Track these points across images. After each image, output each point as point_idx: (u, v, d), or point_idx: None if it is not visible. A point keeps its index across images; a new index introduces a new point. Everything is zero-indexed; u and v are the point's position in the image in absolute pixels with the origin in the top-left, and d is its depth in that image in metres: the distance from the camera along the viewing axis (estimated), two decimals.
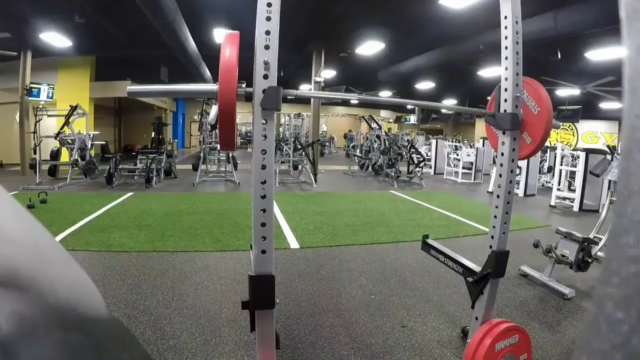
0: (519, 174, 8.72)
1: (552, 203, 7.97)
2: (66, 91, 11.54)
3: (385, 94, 18.82)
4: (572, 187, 8.27)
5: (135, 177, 9.47)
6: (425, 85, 15.75)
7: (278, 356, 1.80)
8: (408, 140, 13.71)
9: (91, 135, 9.64)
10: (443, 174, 12.81)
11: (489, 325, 2.07)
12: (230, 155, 9.92)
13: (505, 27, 1.94)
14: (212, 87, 1.40)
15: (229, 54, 1.38)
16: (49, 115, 9.79)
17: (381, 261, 4.09)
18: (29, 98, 10.30)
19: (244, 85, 1.47)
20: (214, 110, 1.39)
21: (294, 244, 4.60)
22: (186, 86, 1.46)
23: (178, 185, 9.34)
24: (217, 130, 1.35)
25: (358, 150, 15.76)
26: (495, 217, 2.06)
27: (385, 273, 3.73)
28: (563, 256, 3.46)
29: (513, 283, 3.58)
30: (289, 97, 1.54)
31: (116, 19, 8.61)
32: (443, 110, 25.74)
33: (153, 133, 12.36)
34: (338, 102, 13.70)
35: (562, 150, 8.79)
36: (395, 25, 8.83)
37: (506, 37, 1.95)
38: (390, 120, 27.62)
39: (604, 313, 0.21)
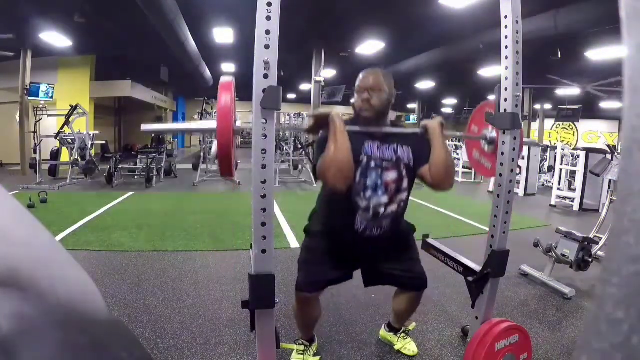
0: (519, 173, 8.72)
1: (553, 202, 7.96)
2: (66, 91, 11.53)
3: None
4: (572, 187, 8.27)
5: (136, 177, 9.47)
6: (425, 84, 15.75)
7: (278, 356, 1.81)
8: None
9: (91, 135, 9.64)
10: None
11: (489, 325, 2.07)
12: None
13: (506, 27, 1.94)
14: (213, 124, 1.57)
15: (224, 100, 1.54)
16: (49, 115, 9.79)
17: None
18: (29, 98, 10.29)
19: (237, 123, 1.61)
20: (214, 145, 1.57)
21: (294, 243, 4.60)
22: (191, 125, 1.61)
23: (178, 184, 9.35)
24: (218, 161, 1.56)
25: None
26: (495, 216, 2.06)
27: None
28: (563, 256, 3.46)
29: (513, 282, 3.58)
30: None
31: (116, 19, 8.60)
32: (443, 109, 25.77)
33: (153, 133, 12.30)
34: (339, 100, 13.67)
35: (562, 149, 8.79)
36: (395, 25, 8.83)
37: (506, 37, 1.95)
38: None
39: (604, 312, 0.21)
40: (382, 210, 1.93)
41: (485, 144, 2.19)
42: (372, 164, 1.91)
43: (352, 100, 2.00)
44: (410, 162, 1.96)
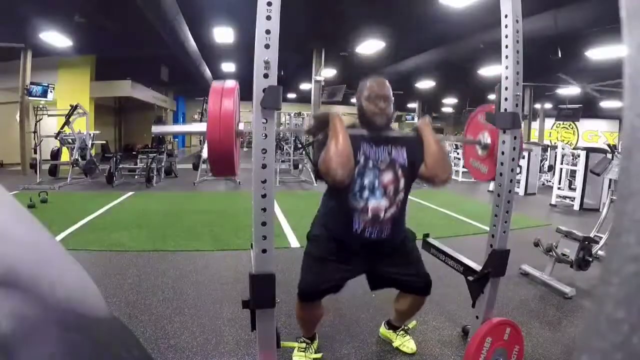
0: (520, 172, 8.71)
1: (553, 202, 7.96)
2: (66, 90, 11.54)
3: None
4: (572, 186, 8.27)
5: (136, 177, 9.47)
6: (426, 84, 15.73)
7: (279, 355, 1.81)
8: None
9: (91, 135, 9.64)
10: None
11: (489, 324, 2.07)
12: None
13: (506, 26, 1.94)
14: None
15: (225, 101, 1.55)
16: (49, 115, 9.79)
17: None
18: (29, 97, 10.29)
19: (240, 126, 1.64)
20: (205, 149, 1.56)
21: (294, 242, 4.60)
22: (202, 126, 1.60)
23: (179, 184, 9.35)
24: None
25: None
26: (496, 215, 2.06)
27: None
28: (564, 255, 3.46)
29: (514, 282, 3.58)
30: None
31: (116, 19, 8.60)
32: (443, 109, 25.75)
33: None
34: (339, 100, 13.71)
35: (563, 149, 8.79)
36: (395, 24, 8.82)
37: (506, 36, 1.94)
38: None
39: (604, 312, 0.21)
40: (382, 214, 1.96)
41: (480, 148, 2.22)
42: (370, 164, 1.96)
43: (362, 105, 2.01)
44: (405, 163, 2.00)
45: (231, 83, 1.61)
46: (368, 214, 1.95)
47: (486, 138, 2.16)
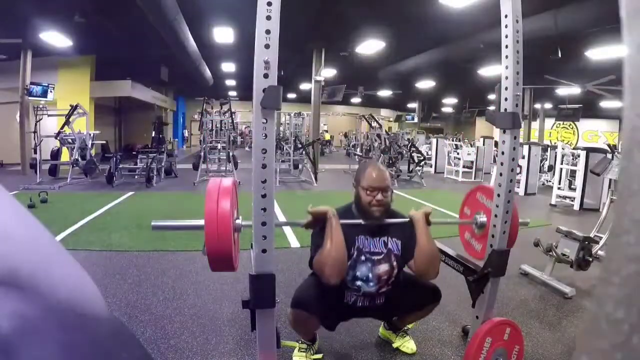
0: (519, 172, 8.71)
1: (553, 202, 7.96)
2: (66, 90, 11.55)
3: (385, 93, 18.81)
4: (572, 186, 8.26)
5: (136, 177, 9.45)
6: (426, 84, 15.72)
7: (279, 355, 1.81)
8: (408, 139, 13.69)
9: (91, 135, 9.62)
10: (443, 172, 12.79)
11: (489, 324, 2.07)
12: (231, 154, 9.90)
13: (506, 26, 1.94)
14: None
15: (222, 202, 1.60)
16: (49, 115, 9.78)
17: None
18: (29, 97, 10.29)
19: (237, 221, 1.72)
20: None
21: (294, 242, 4.60)
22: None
23: (179, 184, 9.34)
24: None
25: (359, 150, 15.80)
26: (495, 216, 2.06)
27: None
28: (564, 255, 3.46)
29: (514, 282, 3.58)
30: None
31: (116, 19, 8.59)
32: (443, 109, 25.74)
33: (153, 132, 12.34)
34: (339, 100, 13.71)
35: (563, 149, 8.79)
36: (395, 25, 8.82)
37: (506, 36, 1.94)
38: (391, 119, 27.59)
39: (604, 312, 0.21)
40: (374, 294, 2.09)
41: (476, 227, 2.24)
42: (362, 257, 2.02)
43: (359, 193, 2.03)
44: (399, 254, 2.08)
45: (228, 182, 1.62)
46: (359, 294, 2.08)
47: (482, 217, 2.20)
